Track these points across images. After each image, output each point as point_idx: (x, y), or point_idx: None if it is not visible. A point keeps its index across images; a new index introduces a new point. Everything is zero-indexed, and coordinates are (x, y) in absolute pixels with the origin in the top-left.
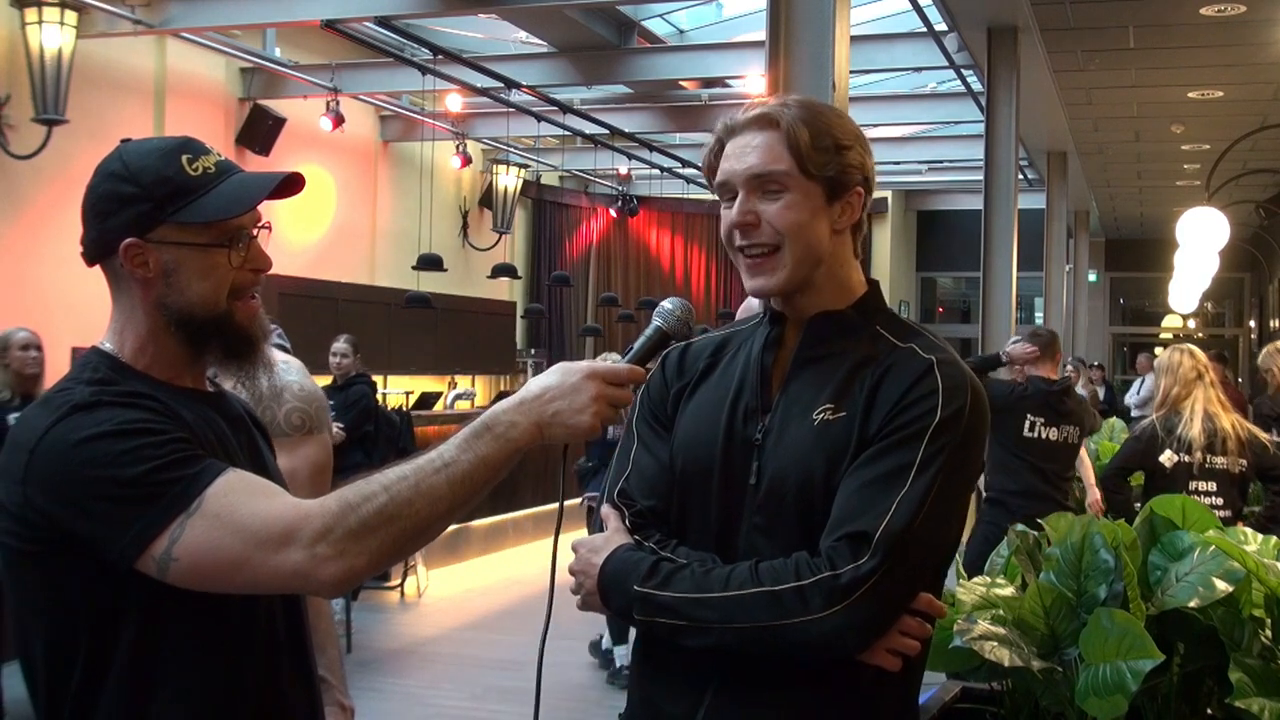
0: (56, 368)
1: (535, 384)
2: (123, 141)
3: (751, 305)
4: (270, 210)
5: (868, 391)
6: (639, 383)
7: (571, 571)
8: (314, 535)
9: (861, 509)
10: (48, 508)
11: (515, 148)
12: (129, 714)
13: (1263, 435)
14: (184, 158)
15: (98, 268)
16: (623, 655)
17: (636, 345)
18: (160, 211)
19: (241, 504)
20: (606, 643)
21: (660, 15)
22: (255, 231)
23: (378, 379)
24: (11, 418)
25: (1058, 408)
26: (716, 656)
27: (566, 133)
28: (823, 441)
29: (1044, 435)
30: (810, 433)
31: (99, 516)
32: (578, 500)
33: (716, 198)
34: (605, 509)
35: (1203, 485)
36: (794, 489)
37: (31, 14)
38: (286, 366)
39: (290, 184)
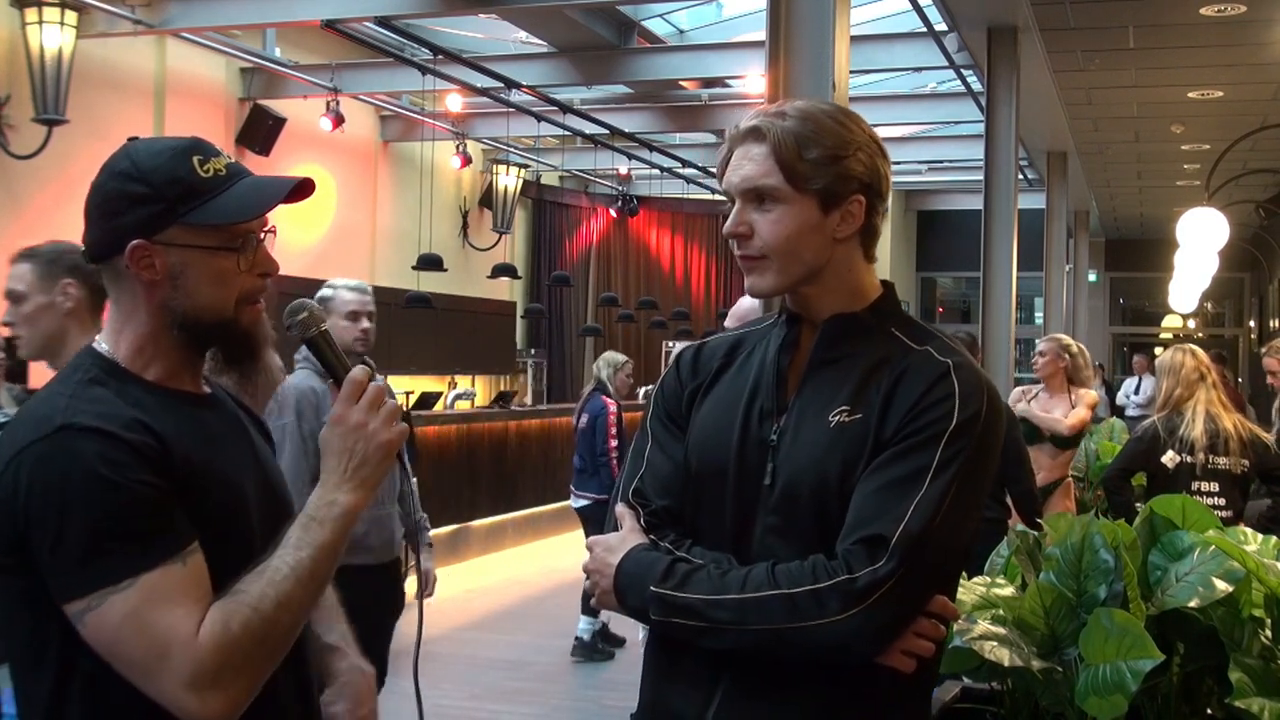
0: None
1: (326, 465)
2: (130, 140)
3: (743, 306)
4: (271, 211)
5: (884, 394)
6: (368, 381)
7: (586, 570)
8: (195, 670)
9: (878, 512)
10: (14, 523)
11: (515, 148)
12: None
13: (1265, 435)
14: (195, 159)
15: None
16: (584, 629)
17: (322, 368)
18: (172, 213)
19: (160, 611)
20: (583, 629)
21: (660, 15)
22: (262, 235)
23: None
24: None
25: None
26: (728, 656)
27: (566, 133)
28: (838, 443)
29: None
30: (826, 434)
31: (44, 549)
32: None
33: (716, 197)
34: (620, 508)
35: (1205, 486)
36: (809, 490)
37: (31, 14)
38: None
39: (301, 189)
